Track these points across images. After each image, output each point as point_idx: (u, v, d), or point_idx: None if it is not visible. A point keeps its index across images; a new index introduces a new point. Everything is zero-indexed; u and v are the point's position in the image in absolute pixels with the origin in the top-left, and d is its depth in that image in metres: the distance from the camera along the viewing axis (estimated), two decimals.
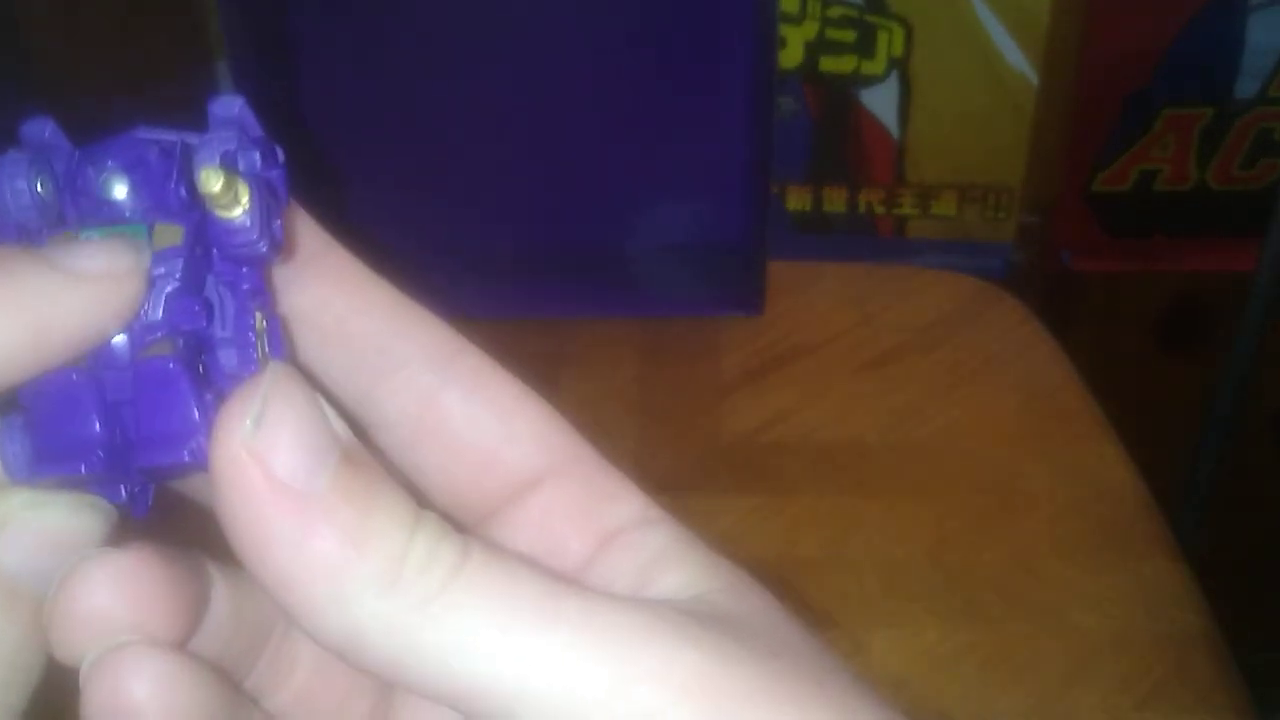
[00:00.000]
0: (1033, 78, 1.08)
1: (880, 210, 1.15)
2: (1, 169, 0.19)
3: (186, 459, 0.19)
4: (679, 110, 0.79)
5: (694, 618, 0.19)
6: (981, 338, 0.78)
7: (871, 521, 0.64)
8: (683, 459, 0.69)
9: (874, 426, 0.71)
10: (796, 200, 1.15)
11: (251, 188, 0.19)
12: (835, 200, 1.15)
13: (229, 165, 0.20)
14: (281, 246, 0.20)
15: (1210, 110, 1.11)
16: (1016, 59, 1.07)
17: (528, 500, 0.23)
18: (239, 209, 0.19)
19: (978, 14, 1.05)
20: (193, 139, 0.20)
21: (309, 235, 0.22)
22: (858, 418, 0.72)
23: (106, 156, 0.20)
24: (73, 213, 0.20)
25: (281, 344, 0.21)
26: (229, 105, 0.20)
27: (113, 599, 0.19)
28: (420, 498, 0.19)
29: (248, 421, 0.17)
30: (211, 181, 0.19)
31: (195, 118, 0.21)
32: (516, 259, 0.83)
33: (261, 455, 0.17)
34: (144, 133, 0.20)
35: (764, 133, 0.75)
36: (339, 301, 0.22)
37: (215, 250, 0.20)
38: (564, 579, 0.19)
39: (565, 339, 0.79)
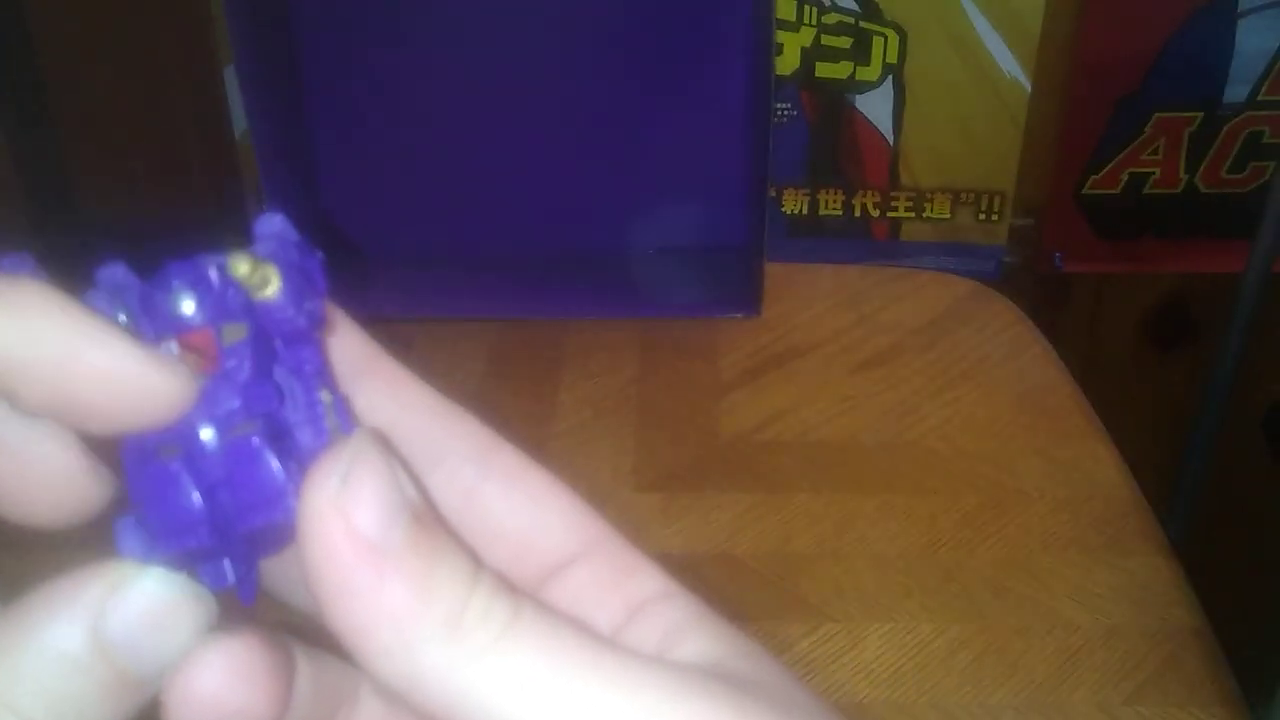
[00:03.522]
0: (1025, 83, 1.08)
1: (875, 213, 1.15)
2: (88, 304, 0.22)
3: (279, 518, 0.21)
4: (678, 115, 0.80)
5: (716, 680, 0.21)
6: (974, 338, 0.79)
7: (866, 518, 0.64)
8: (681, 457, 0.69)
9: (869, 425, 0.71)
10: (793, 203, 1.15)
11: (281, 269, 0.22)
12: (831, 203, 1.15)
13: (258, 255, 0.22)
14: (322, 323, 0.23)
15: (1200, 114, 1.11)
16: (1009, 64, 1.07)
17: (560, 579, 0.25)
18: (270, 288, 0.22)
19: (971, 20, 1.05)
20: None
21: (360, 345, 0.25)
22: (853, 417, 0.72)
23: (171, 279, 0.22)
24: (150, 331, 0.22)
25: (349, 417, 0.23)
26: (271, 222, 0.23)
27: (228, 685, 0.21)
28: (478, 558, 0.21)
29: (334, 480, 0.19)
30: (240, 265, 0.21)
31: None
32: (517, 260, 0.83)
33: (345, 510, 0.19)
34: (200, 258, 0.23)
35: (762, 137, 0.75)
36: (389, 404, 0.25)
37: (278, 342, 0.23)
38: (603, 639, 0.21)
39: (565, 339, 0.79)
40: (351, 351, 0.24)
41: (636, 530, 0.67)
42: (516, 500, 0.25)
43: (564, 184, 0.82)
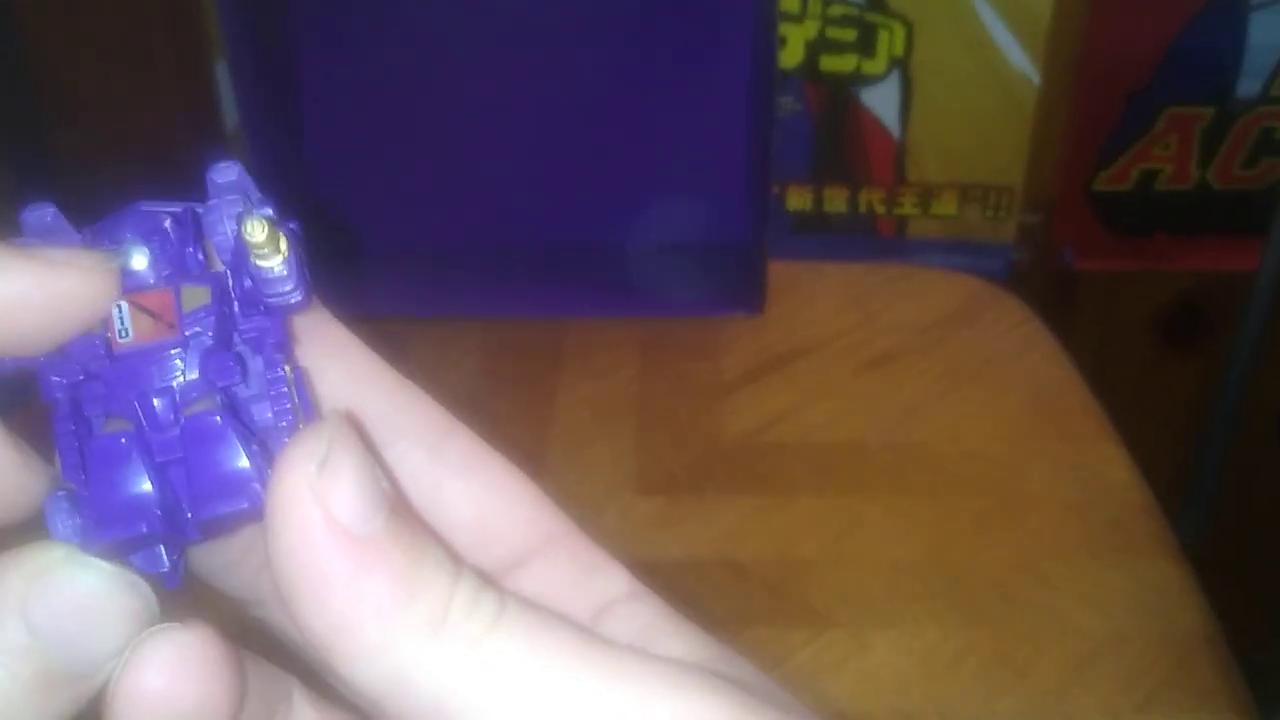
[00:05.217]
0: (1034, 76, 1.07)
1: (881, 210, 1.15)
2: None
3: (245, 506, 0.19)
4: (680, 110, 0.79)
5: (712, 675, 0.20)
6: (982, 337, 0.78)
7: (872, 522, 0.64)
8: (683, 459, 0.69)
9: (874, 426, 0.71)
10: (797, 200, 1.15)
11: (289, 238, 0.20)
12: (836, 200, 1.15)
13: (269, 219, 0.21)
14: (311, 296, 0.21)
15: (1212, 109, 1.11)
16: (1018, 58, 1.07)
17: (519, 575, 0.24)
18: (279, 258, 0.20)
19: (979, 13, 1.05)
20: (198, 207, 0.21)
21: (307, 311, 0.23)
22: (858, 418, 0.71)
23: (122, 230, 0.21)
24: None
25: (308, 394, 0.21)
26: (227, 171, 0.21)
27: (180, 681, 0.19)
28: (456, 552, 0.19)
29: (313, 465, 0.18)
30: (257, 230, 0.20)
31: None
32: (517, 259, 0.83)
33: (324, 497, 0.18)
34: (146, 205, 0.21)
35: (764, 132, 0.75)
36: (338, 377, 0.23)
37: (238, 308, 0.21)
38: (593, 634, 0.19)
39: (565, 339, 0.78)
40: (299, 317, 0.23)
41: (637, 534, 0.66)
42: (473, 488, 0.24)
43: (562, 180, 0.81)
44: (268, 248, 0.20)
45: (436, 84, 0.79)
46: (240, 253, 0.20)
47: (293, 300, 0.20)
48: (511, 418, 0.71)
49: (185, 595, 0.21)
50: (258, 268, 0.20)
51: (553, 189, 0.82)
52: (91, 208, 0.22)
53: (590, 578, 0.24)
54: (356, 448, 0.18)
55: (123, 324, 0.20)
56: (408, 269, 0.80)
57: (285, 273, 0.20)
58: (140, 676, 0.19)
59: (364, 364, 0.23)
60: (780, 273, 0.80)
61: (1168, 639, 0.56)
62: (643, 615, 0.23)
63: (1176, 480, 1.13)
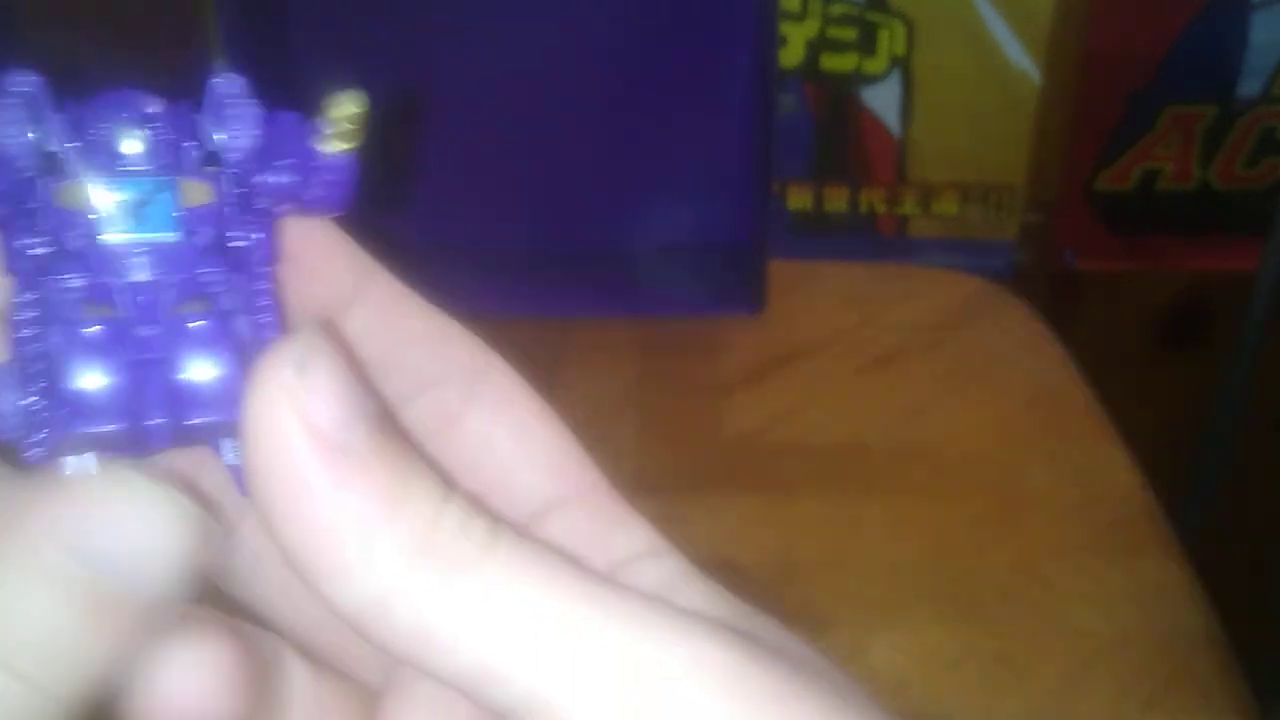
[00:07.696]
0: (1035, 76, 1.07)
1: (882, 209, 1.15)
2: None
3: (225, 417, 0.18)
4: (680, 109, 0.79)
5: (722, 626, 0.19)
6: (983, 337, 0.78)
7: (873, 522, 0.63)
8: (683, 459, 0.68)
9: (875, 427, 0.70)
10: (798, 199, 1.14)
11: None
12: (836, 199, 1.14)
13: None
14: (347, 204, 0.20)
15: (1213, 109, 1.10)
16: (1019, 57, 1.07)
17: (541, 525, 0.23)
18: (349, 145, 0.19)
19: (980, 12, 1.05)
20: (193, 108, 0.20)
21: (350, 263, 0.23)
22: (859, 418, 0.71)
23: (117, 109, 0.19)
24: (79, 164, 0.19)
25: (280, 315, 0.20)
26: (232, 83, 0.20)
27: (202, 686, 0.19)
28: (450, 478, 0.18)
29: (289, 370, 0.17)
30: (350, 105, 0.19)
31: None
32: (517, 259, 0.82)
33: (301, 402, 0.17)
34: (146, 94, 0.20)
35: (765, 132, 0.75)
36: (382, 331, 0.22)
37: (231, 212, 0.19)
38: (595, 571, 0.18)
39: (565, 339, 0.78)
40: (341, 270, 0.22)
41: None
42: (500, 432, 0.23)
43: (562, 180, 0.81)
44: (351, 131, 0.19)
45: (435, 85, 0.78)
46: (263, 155, 0.19)
47: (342, 194, 0.20)
48: None
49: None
50: (319, 152, 0.19)
51: (552, 189, 0.82)
52: None
53: (613, 532, 0.23)
54: (335, 354, 0.17)
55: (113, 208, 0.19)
56: (406, 269, 0.80)
57: (346, 162, 0.19)
58: (156, 690, 0.19)
59: (408, 314, 0.23)
60: (780, 273, 0.80)
61: (1170, 640, 0.56)
62: (663, 572, 0.22)
63: (1178, 480, 1.12)
